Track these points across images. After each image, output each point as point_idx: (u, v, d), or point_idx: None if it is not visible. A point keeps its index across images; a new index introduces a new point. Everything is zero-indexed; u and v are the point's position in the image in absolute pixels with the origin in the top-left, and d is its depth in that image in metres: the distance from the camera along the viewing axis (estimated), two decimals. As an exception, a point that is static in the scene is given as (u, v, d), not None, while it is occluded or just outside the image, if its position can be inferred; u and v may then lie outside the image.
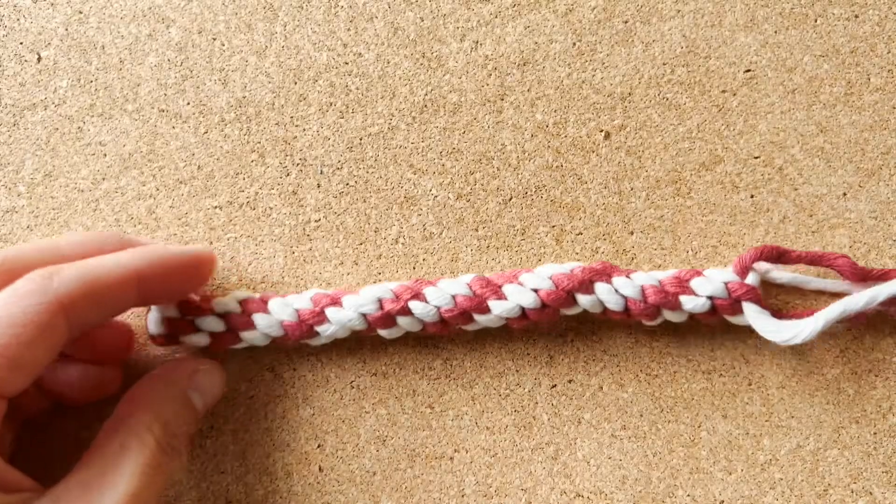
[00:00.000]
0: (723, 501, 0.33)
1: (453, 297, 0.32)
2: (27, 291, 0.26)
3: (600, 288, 0.31)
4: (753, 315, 0.31)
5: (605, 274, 0.32)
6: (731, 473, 0.33)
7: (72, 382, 0.31)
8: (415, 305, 0.32)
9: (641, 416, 0.34)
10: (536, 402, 0.34)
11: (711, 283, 0.31)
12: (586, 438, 0.34)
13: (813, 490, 0.33)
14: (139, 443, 0.28)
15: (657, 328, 0.34)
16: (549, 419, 0.34)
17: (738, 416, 0.33)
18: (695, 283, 0.32)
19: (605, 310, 0.32)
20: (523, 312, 0.32)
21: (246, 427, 0.34)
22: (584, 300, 0.31)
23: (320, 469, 0.34)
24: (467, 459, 0.34)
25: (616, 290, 0.31)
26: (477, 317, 0.32)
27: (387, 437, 0.34)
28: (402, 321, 0.32)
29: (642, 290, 0.31)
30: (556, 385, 0.34)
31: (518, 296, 0.31)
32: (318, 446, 0.34)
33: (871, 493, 0.33)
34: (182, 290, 0.32)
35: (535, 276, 0.32)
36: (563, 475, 0.34)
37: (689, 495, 0.33)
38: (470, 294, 0.32)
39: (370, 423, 0.34)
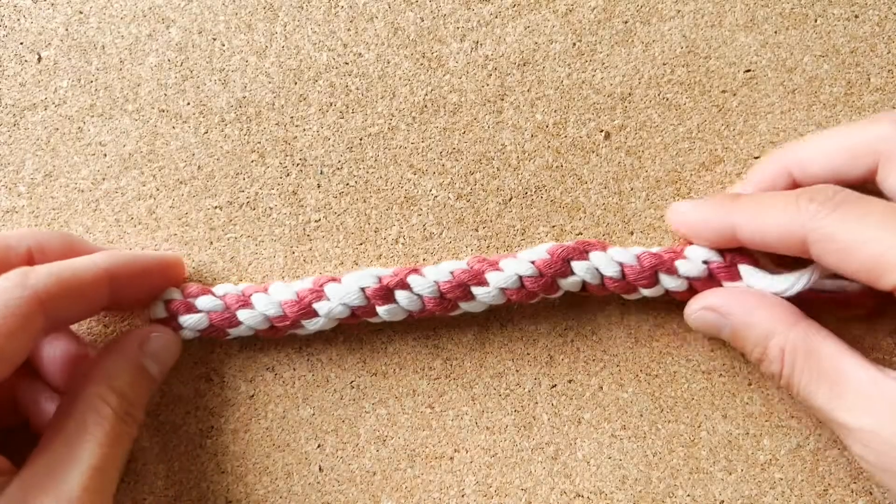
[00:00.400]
0: (723, 501, 0.33)
1: (451, 272, 0.32)
2: (5, 287, 0.27)
3: (595, 256, 0.32)
4: (750, 275, 0.31)
5: (600, 245, 0.32)
6: (731, 473, 0.33)
7: (44, 409, 0.32)
8: (413, 280, 0.32)
9: (641, 416, 0.34)
10: (536, 402, 0.34)
11: (706, 249, 0.32)
12: (586, 438, 0.34)
13: (813, 490, 0.33)
14: (97, 415, 0.29)
15: (657, 328, 0.34)
16: (549, 419, 0.34)
17: (738, 416, 0.33)
18: (689, 251, 0.32)
19: (602, 279, 0.32)
20: (521, 284, 0.32)
21: (246, 427, 0.34)
22: (579, 267, 0.32)
23: (320, 469, 0.34)
24: (467, 459, 0.34)
25: (611, 258, 0.32)
26: (476, 291, 0.32)
27: (387, 437, 0.34)
28: (401, 296, 0.32)
29: (637, 257, 0.32)
30: (556, 385, 0.34)
31: (515, 266, 0.32)
32: (318, 446, 0.34)
33: (870, 493, 0.33)
34: (151, 291, 0.33)
35: (531, 251, 0.32)
36: (563, 475, 0.34)
37: (689, 495, 0.33)
38: (468, 269, 0.32)
39: (370, 423, 0.34)
